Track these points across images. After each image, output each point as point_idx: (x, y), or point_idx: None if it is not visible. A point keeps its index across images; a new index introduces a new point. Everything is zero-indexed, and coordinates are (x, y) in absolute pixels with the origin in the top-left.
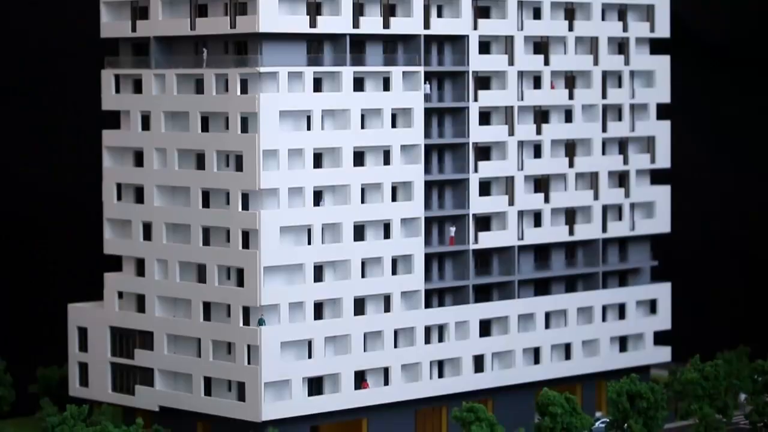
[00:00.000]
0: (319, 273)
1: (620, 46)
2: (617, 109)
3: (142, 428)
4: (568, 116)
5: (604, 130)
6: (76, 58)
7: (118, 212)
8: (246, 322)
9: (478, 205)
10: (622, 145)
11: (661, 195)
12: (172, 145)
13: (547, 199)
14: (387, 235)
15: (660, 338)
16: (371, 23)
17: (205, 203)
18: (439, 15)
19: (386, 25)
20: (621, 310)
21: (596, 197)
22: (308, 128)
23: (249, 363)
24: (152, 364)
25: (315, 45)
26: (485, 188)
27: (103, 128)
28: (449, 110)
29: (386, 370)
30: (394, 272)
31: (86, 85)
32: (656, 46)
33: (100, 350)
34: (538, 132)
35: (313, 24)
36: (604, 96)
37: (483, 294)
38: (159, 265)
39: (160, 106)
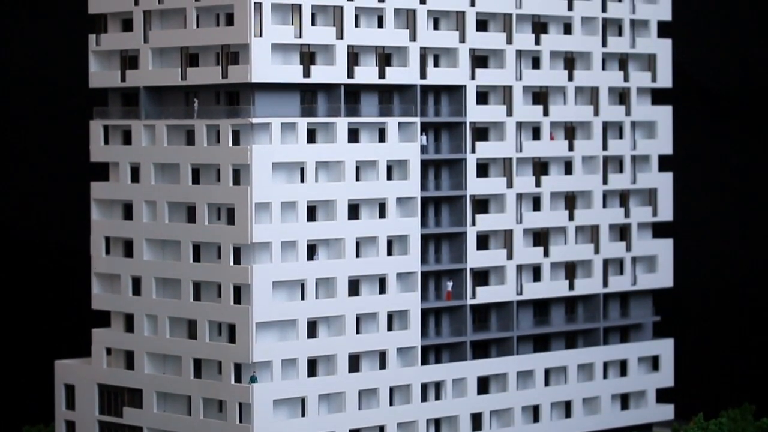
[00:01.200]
0: (312, 329)
1: (621, 96)
2: (618, 160)
3: None
4: (568, 168)
5: (604, 182)
6: (63, 109)
7: (106, 266)
8: (237, 380)
9: (475, 259)
10: (624, 197)
11: (664, 249)
12: (162, 198)
13: (546, 253)
14: (382, 290)
15: (663, 395)
16: (366, 73)
17: (196, 257)
18: (436, 65)
19: (382, 75)
20: (622, 367)
21: (597, 251)
22: (302, 180)
23: (241, 422)
24: (141, 422)
25: (309, 95)
26: (483, 242)
27: (91, 180)
28: (446, 162)
29: (382, 429)
30: (389, 328)
31: (74, 136)
32: (658, 96)
33: (88, 408)
34: (537, 184)
35: (306, 74)
36: (604, 147)
37: (481, 350)
38: (148, 321)
39: (149, 158)
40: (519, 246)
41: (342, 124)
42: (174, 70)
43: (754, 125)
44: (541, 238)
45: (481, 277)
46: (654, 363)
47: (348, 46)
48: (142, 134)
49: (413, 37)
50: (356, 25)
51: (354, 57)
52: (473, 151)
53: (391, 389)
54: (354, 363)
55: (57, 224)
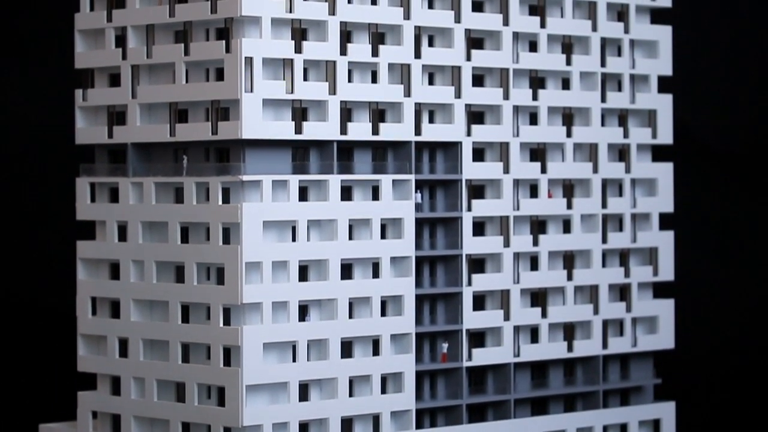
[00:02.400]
0: (304, 392)
1: (621, 153)
2: (618, 218)
3: None
4: (567, 226)
5: (604, 241)
6: (49, 166)
7: (92, 327)
8: None
9: (471, 319)
10: (623, 256)
11: (665, 309)
12: (150, 257)
13: (544, 314)
14: (376, 352)
15: None
16: (360, 129)
17: (185, 318)
18: (431, 120)
19: (375, 131)
20: (623, 431)
21: (596, 311)
22: (293, 239)
23: None
24: None
25: (301, 152)
26: (479, 302)
27: (77, 239)
28: (441, 220)
29: None
30: (383, 391)
31: (60, 194)
32: (659, 153)
33: None
34: (535, 243)
35: (298, 130)
36: (604, 205)
37: (477, 414)
38: (136, 384)
39: (137, 216)
40: (516, 306)
41: (335, 181)
42: (162, 126)
43: (756, 182)
44: (538, 298)
45: (478, 338)
46: (655, 427)
47: (341, 101)
48: (130, 192)
49: (408, 93)
50: (349, 81)
51: (347, 113)
52: (469, 209)
53: None
54: (347, 426)
55: (42, 284)
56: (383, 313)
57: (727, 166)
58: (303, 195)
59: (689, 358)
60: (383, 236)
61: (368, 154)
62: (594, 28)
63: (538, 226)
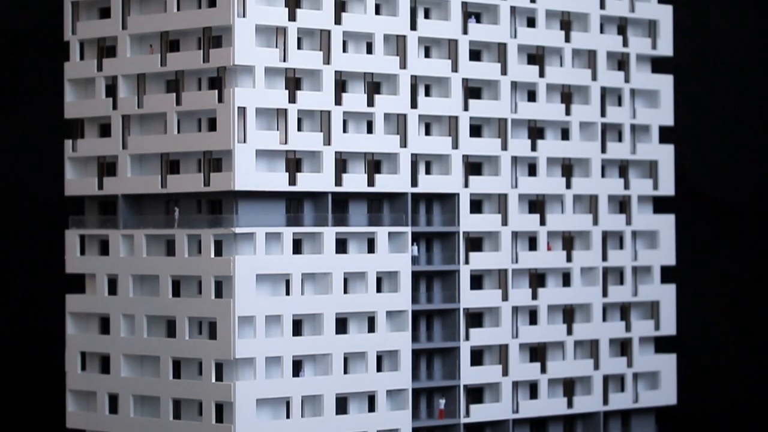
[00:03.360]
0: None
1: (621, 205)
2: (618, 272)
3: None
4: (566, 280)
5: (604, 294)
6: (38, 218)
7: (82, 383)
8: None
9: (469, 375)
10: (624, 310)
11: (666, 364)
12: (140, 311)
13: (544, 369)
14: (372, 408)
15: None
16: (355, 180)
17: (176, 374)
18: (428, 172)
19: (371, 183)
20: None
21: (596, 366)
22: (287, 293)
23: None
24: None
25: (295, 203)
26: (477, 357)
27: (66, 292)
28: (438, 273)
29: None
30: None
31: (49, 246)
32: (660, 204)
33: None
34: (534, 297)
35: (292, 181)
36: (604, 258)
37: None
38: None
39: (128, 269)
40: (515, 361)
41: (329, 233)
42: (154, 177)
43: (760, 234)
44: (538, 353)
45: (475, 394)
46: None
47: (336, 152)
48: (120, 244)
49: (404, 143)
50: (344, 131)
51: (342, 163)
52: (467, 262)
53: None
54: None
55: (30, 338)
56: (379, 369)
57: (730, 218)
58: (297, 248)
59: (692, 414)
60: (379, 290)
61: (364, 205)
62: (594, 78)
63: (537, 279)
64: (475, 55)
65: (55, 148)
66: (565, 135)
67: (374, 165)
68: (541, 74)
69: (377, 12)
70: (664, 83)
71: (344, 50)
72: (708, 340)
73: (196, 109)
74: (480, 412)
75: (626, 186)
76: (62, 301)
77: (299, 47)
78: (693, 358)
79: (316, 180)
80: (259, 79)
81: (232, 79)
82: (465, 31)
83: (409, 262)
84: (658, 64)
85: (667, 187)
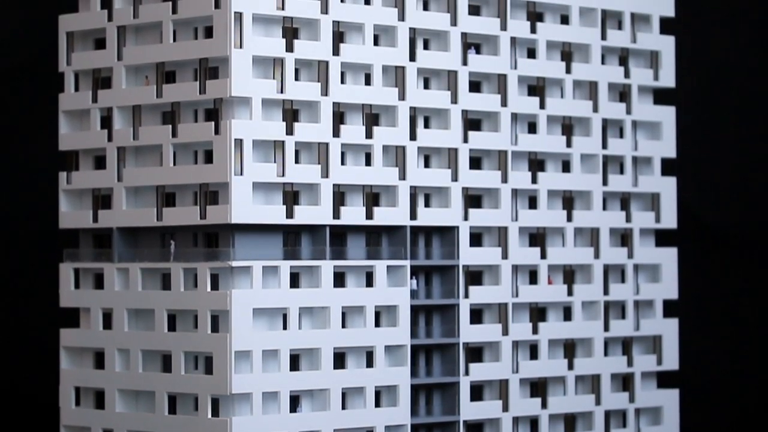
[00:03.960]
0: None
1: (623, 238)
2: (620, 306)
3: None
4: (567, 314)
5: (606, 329)
6: (31, 251)
7: (76, 418)
8: None
9: (469, 411)
10: (626, 345)
11: (669, 399)
12: (135, 346)
13: (544, 405)
14: None
15: None
16: (353, 213)
17: (172, 409)
18: (427, 204)
19: (369, 216)
20: None
21: (598, 402)
22: (284, 327)
23: None
24: None
25: (292, 237)
26: (477, 392)
27: (60, 326)
28: (438, 307)
29: None
30: None
31: (42, 280)
32: (662, 237)
33: None
34: (535, 331)
35: (290, 214)
36: (605, 292)
37: None
38: None
39: (123, 303)
40: (515, 397)
41: (327, 267)
42: (149, 210)
43: (763, 267)
44: (538, 387)
45: (475, 429)
46: None
47: (334, 184)
48: (115, 278)
49: (403, 176)
50: (342, 163)
51: (340, 196)
52: (466, 296)
53: None
54: None
55: (24, 373)
56: (377, 404)
57: (734, 251)
58: (294, 281)
59: None
60: (377, 324)
61: (362, 238)
62: (595, 109)
63: (538, 313)
64: (474, 87)
65: (49, 180)
66: (566, 167)
67: (373, 197)
68: (542, 106)
69: (376, 43)
70: (667, 115)
71: (342, 81)
72: (711, 375)
73: (192, 141)
74: None
75: (628, 219)
76: (56, 336)
77: (297, 78)
78: (696, 393)
79: (314, 213)
80: (256, 110)
81: (229, 111)
82: (465, 62)
83: (408, 296)
84: (660, 96)
85: (669, 219)
